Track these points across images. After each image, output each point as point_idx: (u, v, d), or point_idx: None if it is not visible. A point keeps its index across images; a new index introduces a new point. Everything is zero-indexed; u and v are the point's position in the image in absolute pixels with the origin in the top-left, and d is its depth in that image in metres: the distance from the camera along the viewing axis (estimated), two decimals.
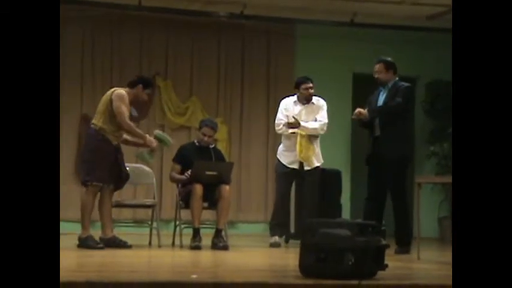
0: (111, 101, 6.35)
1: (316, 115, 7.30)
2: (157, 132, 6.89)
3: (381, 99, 6.75)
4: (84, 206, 6.31)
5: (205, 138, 6.97)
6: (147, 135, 6.53)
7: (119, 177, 6.50)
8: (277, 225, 7.33)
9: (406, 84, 6.80)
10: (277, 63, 9.74)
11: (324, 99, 7.44)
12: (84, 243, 6.22)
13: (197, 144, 7.04)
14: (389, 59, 6.82)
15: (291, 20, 9.56)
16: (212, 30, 9.51)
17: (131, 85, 6.55)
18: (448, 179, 6.27)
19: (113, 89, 6.52)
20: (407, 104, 6.67)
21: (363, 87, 9.98)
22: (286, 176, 7.28)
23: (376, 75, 6.76)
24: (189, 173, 6.70)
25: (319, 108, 7.34)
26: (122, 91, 6.43)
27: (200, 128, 7.05)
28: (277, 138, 9.33)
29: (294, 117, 7.13)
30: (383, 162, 6.60)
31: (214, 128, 7.04)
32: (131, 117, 6.57)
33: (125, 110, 6.36)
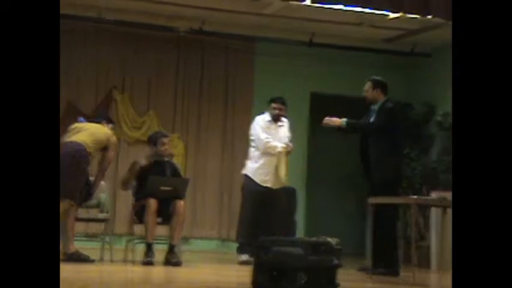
0: (108, 142, 6.57)
1: (286, 134, 7.43)
2: None
3: (371, 120, 6.68)
4: None
5: (166, 147, 6.95)
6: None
7: (88, 195, 6.56)
8: (247, 244, 7.28)
9: (391, 104, 6.67)
10: (235, 79, 9.76)
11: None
12: None
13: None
14: (378, 78, 6.76)
15: (251, 38, 9.61)
16: (171, 45, 9.50)
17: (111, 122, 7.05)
18: (400, 200, 6.34)
19: (111, 131, 6.74)
20: (383, 123, 6.50)
21: (319, 106, 10.09)
22: (259, 194, 7.25)
23: (364, 94, 6.73)
24: (142, 165, 6.77)
25: (286, 127, 7.47)
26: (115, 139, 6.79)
27: (155, 143, 6.94)
28: (234, 154, 9.37)
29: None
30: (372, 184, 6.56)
31: (168, 136, 7.10)
32: None
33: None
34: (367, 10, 7.67)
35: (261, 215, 7.42)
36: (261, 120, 7.41)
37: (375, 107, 6.66)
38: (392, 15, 8.35)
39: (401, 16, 8.26)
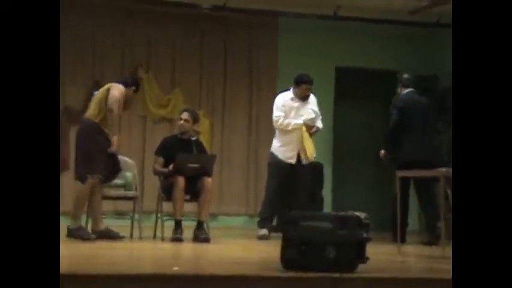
0: (108, 91, 6.41)
1: (311, 111, 7.40)
2: None
3: None
4: (81, 198, 6.34)
5: (181, 122, 6.95)
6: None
7: (114, 170, 6.53)
8: (267, 219, 7.36)
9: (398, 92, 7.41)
10: (259, 56, 9.73)
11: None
12: (75, 233, 6.20)
13: (179, 136, 7.03)
14: (405, 75, 7.50)
15: (274, 13, 9.55)
16: (195, 22, 9.48)
17: (125, 84, 6.64)
18: (428, 173, 6.32)
19: (110, 84, 6.58)
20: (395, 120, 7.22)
21: (345, 81, 10.03)
22: (282, 171, 7.30)
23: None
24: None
25: (313, 104, 7.43)
26: (121, 86, 6.51)
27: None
28: (259, 131, 9.37)
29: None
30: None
31: (189, 112, 7.06)
32: None
33: (119, 98, 6.40)
34: None
35: (285, 191, 7.45)
36: (281, 98, 7.41)
37: None
38: None
39: None
